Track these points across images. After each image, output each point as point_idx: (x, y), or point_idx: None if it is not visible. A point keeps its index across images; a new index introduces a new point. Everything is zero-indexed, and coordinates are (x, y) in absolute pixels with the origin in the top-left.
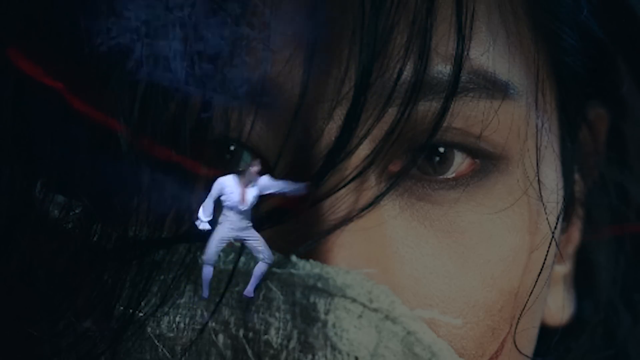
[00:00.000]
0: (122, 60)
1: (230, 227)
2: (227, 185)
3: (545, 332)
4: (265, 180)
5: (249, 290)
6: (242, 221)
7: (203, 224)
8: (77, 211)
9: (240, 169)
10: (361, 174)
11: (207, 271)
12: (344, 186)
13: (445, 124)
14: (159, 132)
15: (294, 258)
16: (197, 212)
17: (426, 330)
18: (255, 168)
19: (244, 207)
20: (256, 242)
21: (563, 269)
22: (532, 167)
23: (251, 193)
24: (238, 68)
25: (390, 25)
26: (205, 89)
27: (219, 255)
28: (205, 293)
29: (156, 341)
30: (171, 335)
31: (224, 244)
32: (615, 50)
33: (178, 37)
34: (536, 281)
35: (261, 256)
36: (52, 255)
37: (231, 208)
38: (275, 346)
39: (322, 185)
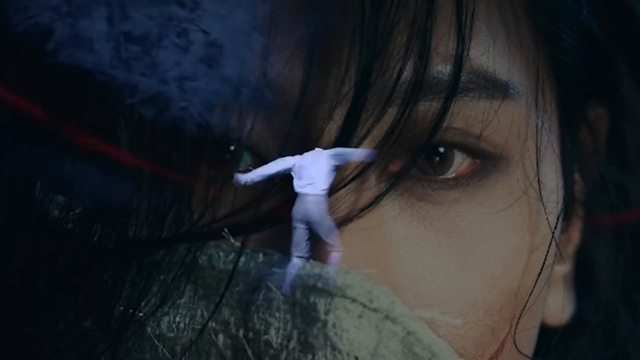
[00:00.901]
0: (41, 41)
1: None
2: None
3: (545, 332)
4: (328, 154)
5: (285, 288)
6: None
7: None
8: (77, 211)
9: None
10: (361, 174)
11: (294, 263)
12: (344, 186)
13: (445, 124)
14: (159, 132)
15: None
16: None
17: (426, 330)
18: None
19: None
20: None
21: (563, 269)
22: (532, 167)
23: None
24: (167, 50)
25: (390, 25)
26: (132, 73)
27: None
28: (287, 288)
29: (156, 341)
30: (171, 335)
31: (302, 232)
32: (615, 50)
33: (102, 16)
34: (536, 281)
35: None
36: (52, 255)
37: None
38: (275, 346)
39: None
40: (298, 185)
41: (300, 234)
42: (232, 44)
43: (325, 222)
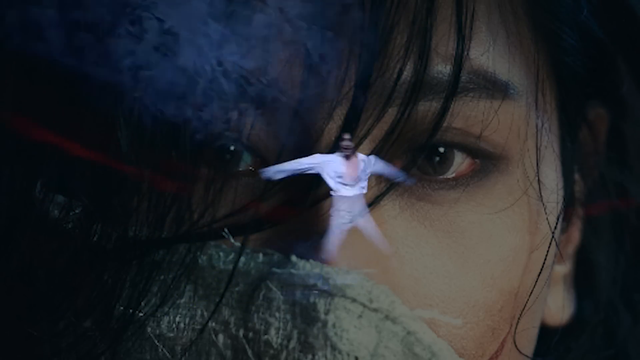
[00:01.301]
0: None
1: (343, 211)
2: (330, 160)
3: (545, 332)
4: (374, 160)
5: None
6: (353, 204)
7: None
8: (77, 211)
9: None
10: None
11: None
12: None
13: (445, 124)
14: (159, 132)
15: (294, 258)
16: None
17: (426, 330)
18: (345, 142)
19: (352, 182)
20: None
21: (563, 269)
22: (532, 167)
23: (359, 166)
24: (121, 38)
25: (390, 25)
26: (84, 62)
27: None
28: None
29: (156, 341)
30: (171, 335)
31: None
32: (615, 50)
33: (53, 3)
34: (536, 281)
35: None
36: (52, 255)
37: (342, 185)
38: (275, 346)
39: (322, 185)
40: (341, 185)
41: (339, 237)
42: (187, 32)
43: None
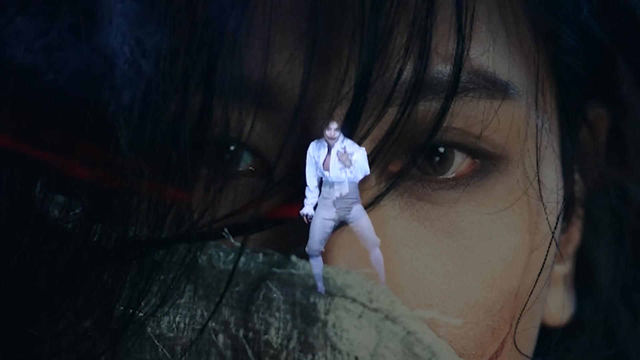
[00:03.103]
0: None
1: (326, 205)
2: (314, 149)
3: (545, 332)
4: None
5: (320, 288)
6: (341, 198)
7: (307, 207)
8: (77, 211)
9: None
10: None
11: (316, 264)
12: None
13: (445, 124)
14: (159, 132)
15: (294, 258)
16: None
17: (426, 330)
18: (330, 131)
19: (327, 175)
20: (362, 228)
21: (563, 269)
22: (532, 167)
23: (333, 160)
24: (33, 17)
25: (390, 25)
26: None
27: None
28: (320, 287)
29: (156, 341)
30: (171, 335)
31: (329, 229)
32: (615, 50)
33: None
34: (536, 281)
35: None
36: (52, 255)
37: (321, 178)
38: (275, 346)
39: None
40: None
41: (318, 230)
42: (104, 11)
43: (355, 217)
